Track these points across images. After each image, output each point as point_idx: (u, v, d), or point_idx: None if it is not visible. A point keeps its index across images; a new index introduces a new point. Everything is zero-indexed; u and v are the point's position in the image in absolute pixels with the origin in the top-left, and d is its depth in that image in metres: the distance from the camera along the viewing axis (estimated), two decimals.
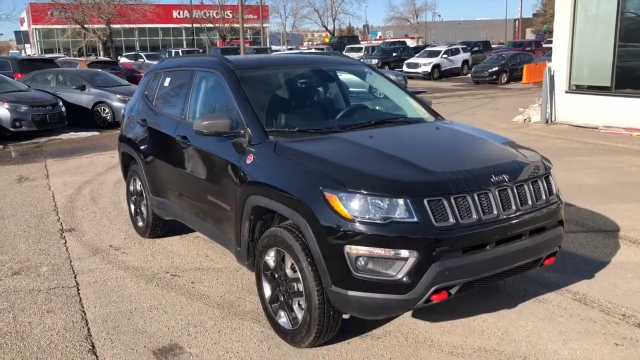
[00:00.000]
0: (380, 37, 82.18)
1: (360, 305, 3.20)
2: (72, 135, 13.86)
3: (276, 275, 3.67)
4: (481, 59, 32.34)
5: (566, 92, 12.69)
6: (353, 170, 3.32)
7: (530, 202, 3.45)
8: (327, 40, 58.02)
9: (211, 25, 48.90)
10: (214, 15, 51.53)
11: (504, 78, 27.47)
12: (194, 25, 51.16)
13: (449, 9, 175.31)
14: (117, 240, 5.85)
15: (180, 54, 34.03)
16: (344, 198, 3.13)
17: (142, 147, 5.44)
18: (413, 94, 4.86)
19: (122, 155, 6.08)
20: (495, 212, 3.28)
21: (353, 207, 3.12)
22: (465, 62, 33.08)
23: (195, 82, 4.76)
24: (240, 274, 4.79)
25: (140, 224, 5.83)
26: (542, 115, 12.90)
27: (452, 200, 3.16)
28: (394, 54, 36.56)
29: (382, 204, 3.10)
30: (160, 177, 5.19)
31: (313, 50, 33.51)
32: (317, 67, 4.90)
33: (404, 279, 3.09)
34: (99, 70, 17.12)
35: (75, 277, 4.90)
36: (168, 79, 5.31)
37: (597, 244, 5.40)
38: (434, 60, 31.44)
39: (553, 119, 12.94)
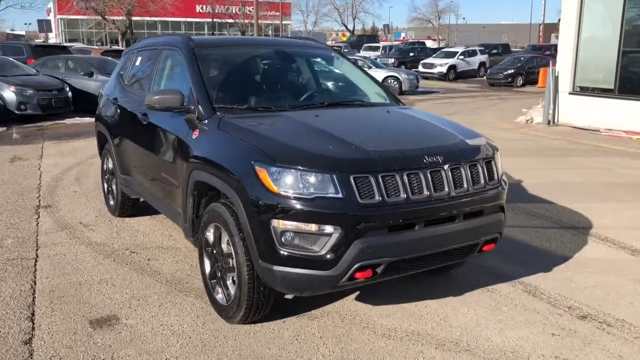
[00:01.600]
0: (403, 38, 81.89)
1: (285, 281, 3.20)
2: (77, 120, 14.04)
3: (214, 252, 3.69)
4: (499, 61, 32.02)
5: (570, 93, 12.52)
6: (286, 145, 3.31)
7: (465, 185, 3.41)
8: (345, 38, 58.01)
9: (231, 20, 49.11)
10: (236, 11, 51.79)
11: (520, 81, 27.19)
12: (215, 20, 51.45)
13: (474, 12, 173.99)
14: (88, 217, 5.92)
15: None
16: (272, 172, 3.13)
17: (113, 126, 5.50)
18: (379, 82, 4.84)
19: (97, 135, 6.15)
20: (425, 192, 3.25)
21: (281, 181, 3.11)
22: (482, 64, 32.79)
23: (160, 60, 4.80)
24: (197, 253, 4.80)
25: (112, 202, 5.89)
26: (545, 116, 12.74)
27: (380, 178, 3.14)
28: (411, 54, 36.40)
29: (308, 179, 3.09)
30: (126, 155, 5.24)
31: None
32: (279, 48, 4.90)
33: (328, 255, 3.08)
34: (109, 58, 17.28)
35: (37, 250, 4.97)
36: (139, 58, 5.36)
37: (565, 240, 5.32)
38: (450, 61, 31.22)
39: (556, 120, 12.78)
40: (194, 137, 3.83)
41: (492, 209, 3.58)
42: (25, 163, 8.77)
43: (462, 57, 31.91)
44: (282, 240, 3.12)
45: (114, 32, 36.87)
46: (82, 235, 5.38)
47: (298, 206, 3.07)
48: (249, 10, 49.96)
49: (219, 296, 3.68)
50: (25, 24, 72.00)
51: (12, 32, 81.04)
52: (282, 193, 3.10)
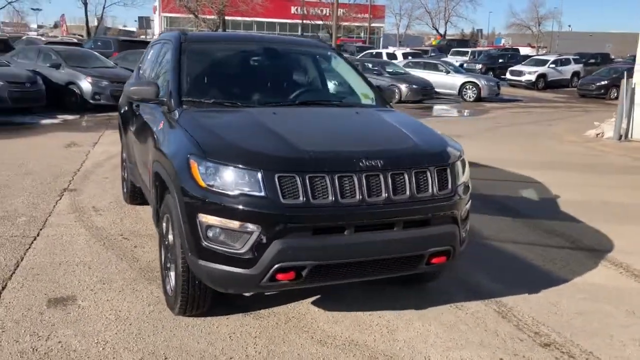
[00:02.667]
0: (504, 44, 79.22)
1: (210, 276, 3.18)
2: None
3: (167, 242, 3.73)
4: (595, 72, 30.19)
5: None
6: (223, 141, 3.29)
7: (408, 193, 3.24)
8: (434, 43, 56.93)
9: (321, 22, 49.62)
10: (327, 12, 52.24)
11: (614, 93, 25.40)
12: (304, 21, 52.20)
13: (580, 20, 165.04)
14: (102, 203, 6.17)
15: None
16: (202, 166, 3.13)
17: (123, 117, 5.71)
18: (370, 84, 4.70)
19: (118, 126, 6.40)
20: (358, 196, 3.12)
21: (209, 176, 3.10)
22: (575, 73, 31.03)
23: (160, 54, 4.93)
24: None
25: (124, 190, 6.12)
26: (616, 130, 11.88)
27: (307, 179, 3.05)
28: (500, 61, 35.09)
29: (234, 176, 3.06)
30: (129, 145, 5.43)
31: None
32: (270, 46, 4.88)
33: (248, 253, 3.04)
34: None
35: (40, 229, 5.24)
36: (151, 52, 5.52)
37: (572, 262, 4.93)
38: (540, 69, 29.80)
39: (630, 135, 11.88)
40: (159, 129, 3.90)
41: (442, 220, 3.37)
42: (77, 149, 9.29)
43: (553, 65, 30.37)
44: (207, 235, 3.11)
45: (205, 31, 38.26)
46: (88, 219, 5.62)
47: (222, 202, 3.05)
48: (343, 13, 50.32)
49: (168, 286, 3.72)
50: (135, 20, 76.28)
51: (124, 28, 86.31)
52: (209, 188, 3.08)
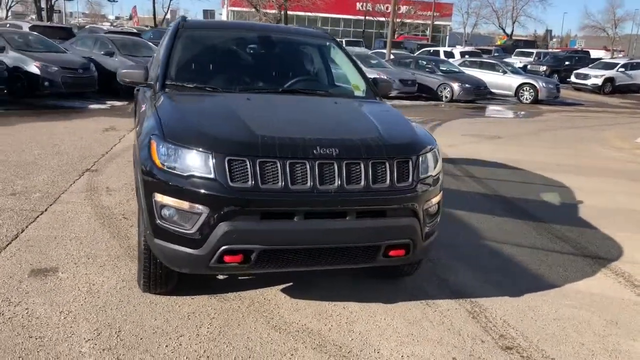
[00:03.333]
0: (579, 47, 76.22)
1: (163, 255, 3.26)
2: None
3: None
4: None
5: None
6: (184, 123, 3.37)
7: (363, 183, 3.20)
8: (499, 42, 55.39)
9: (383, 19, 49.26)
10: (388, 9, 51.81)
11: None
12: (367, 18, 51.97)
13: None
14: (117, 184, 6.40)
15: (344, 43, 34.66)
16: (161, 146, 3.21)
17: (135, 103, 5.90)
18: (365, 76, 4.66)
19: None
20: (309, 183, 3.11)
21: (165, 156, 3.18)
22: None
23: (164, 39, 5.06)
24: None
25: None
26: None
27: (257, 163, 3.07)
28: (567, 63, 33.76)
29: (186, 157, 3.12)
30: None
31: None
32: (266, 34, 4.92)
33: (197, 234, 3.09)
34: None
35: (50, 205, 5.49)
36: (165, 38, 5.67)
37: (569, 268, 4.74)
38: (608, 73, 28.47)
39: None
40: (142, 111, 4.02)
41: (400, 212, 3.31)
42: (113, 133, 9.65)
43: (622, 69, 28.94)
44: (162, 214, 3.18)
45: None
46: (97, 198, 5.84)
47: (175, 182, 3.12)
48: (408, 10, 49.77)
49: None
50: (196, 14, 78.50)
51: None
52: (164, 168, 3.16)
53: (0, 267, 4.05)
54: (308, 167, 3.12)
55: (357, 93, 4.50)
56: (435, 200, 3.57)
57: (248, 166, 3.06)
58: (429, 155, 3.53)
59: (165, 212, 3.17)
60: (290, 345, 3.26)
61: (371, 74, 19.03)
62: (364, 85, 4.57)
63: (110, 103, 13.45)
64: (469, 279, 4.37)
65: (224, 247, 3.07)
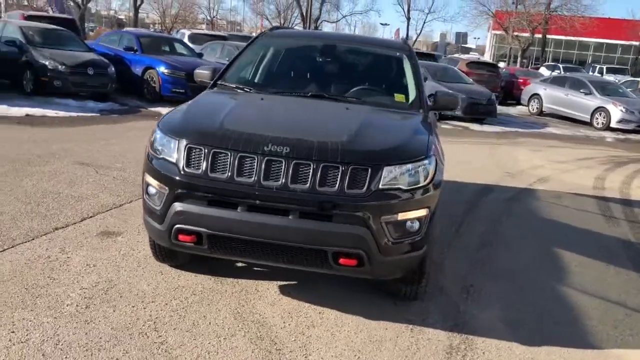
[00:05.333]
0: None
1: (147, 227, 3.71)
2: None
3: None
4: None
5: None
6: (179, 114, 3.79)
7: (309, 184, 3.21)
8: None
9: None
10: None
11: None
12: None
13: None
14: None
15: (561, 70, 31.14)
16: (153, 134, 3.67)
17: None
18: (420, 90, 4.49)
19: None
20: (253, 178, 3.25)
21: (154, 142, 3.62)
22: None
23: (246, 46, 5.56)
24: None
25: None
26: None
27: (211, 153, 3.32)
28: None
29: (162, 142, 3.53)
30: None
31: None
32: (333, 43, 5.06)
33: (160, 210, 3.47)
34: (447, 66, 18.30)
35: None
36: None
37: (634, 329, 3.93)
38: None
39: None
40: None
41: (348, 220, 3.22)
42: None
43: None
44: (147, 191, 3.63)
45: (516, 48, 37.26)
46: (111, 171, 6.57)
47: (154, 164, 3.54)
48: None
49: None
50: (475, 38, 78.33)
51: (464, 45, 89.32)
52: (152, 152, 3.61)
53: (86, 226, 4.92)
54: (256, 162, 3.26)
55: (399, 104, 4.38)
56: (409, 215, 3.36)
57: (203, 154, 3.33)
58: (406, 168, 3.34)
59: (149, 190, 3.60)
60: (231, 331, 3.41)
61: (605, 102, 17.35)
62: (413, 97, 4.42)
63: None
64: (493, 316, 3.94)
65: (176, 226, 3.38)
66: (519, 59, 35.62)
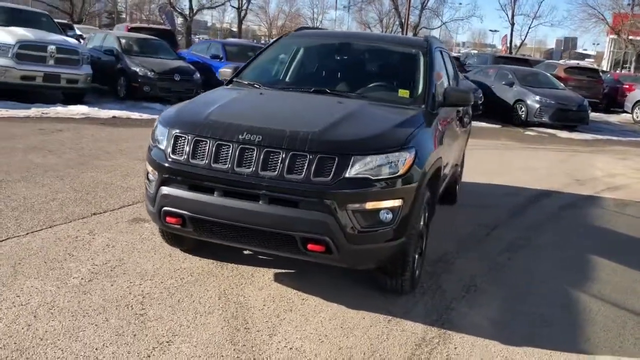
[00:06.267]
0: None
1: (147, 211, 4.02)
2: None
3: None
4: None
5: None
6: (179, 108, 4.08)
7: (278, 172, 3.36)
8: None
9: None
10: None
11: None
12: None
13: None
14: None
15: None
16: (155, 124, 3.99)
17: None
18: (428, 86, 4.48)
19: None
20: (228, 165, 3.45)
21: (153, 133, 3.94)
22: None
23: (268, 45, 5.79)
24: None
25: None
26: None
27: (192, 140, 3.57)
28: None
29: (157, 132, 3.84)
30: None
31: None
32: (350, 41, 5.17)
33: (153, 194, 3.77)
34: (537, 70, 17.62)
35: None
36: None
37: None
38: None
39: None
40: None
41: (313, 206, 3.33)
42: None
43: None
44: (148, 178, 3.94)
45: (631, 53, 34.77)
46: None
47: (150, 153, 3.85)
48: None
49: None
50: (593, 44, 74.43)
51: (584, 51, 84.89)
52: (150, 143, 3.92)
53: (121, 212, 5.36)
54: (232, 149, 3.46)
55: (402, 99, 4.40)
56: (380, 204, 3.41)
57: (186, 142, 3.58)
58: (377, 158, 3.40)
59: (148, 176, 3.91)
60: (210, 309, 3.62)
61: None
62: (417, 93, 4.44)
63: None
64: (485, 316, 3.87)
65: (164, 208, 3.65)
66: (633, 64, 33.27)
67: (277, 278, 4.16)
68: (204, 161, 3.52)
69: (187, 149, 3.58)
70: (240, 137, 3.46)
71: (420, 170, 3.63)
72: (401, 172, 3.47)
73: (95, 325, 3.32)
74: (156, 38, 15.34)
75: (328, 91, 4.42)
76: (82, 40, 17.24)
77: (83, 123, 10.36)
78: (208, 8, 43.36)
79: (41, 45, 11.74)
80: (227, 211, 3.47)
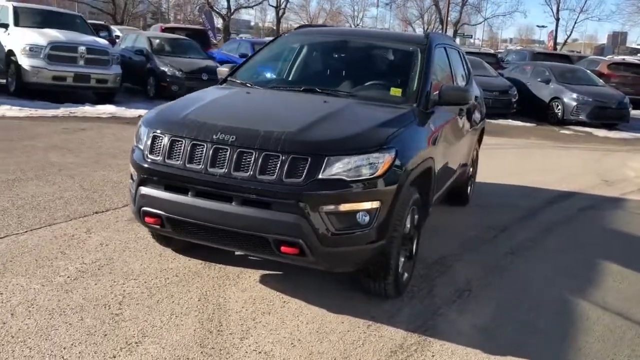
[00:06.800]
0: None
1: (131, 210, 4.03)
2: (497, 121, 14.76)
3: None
4: None
5: None
6: (161, 108, 4.06)
7: (250, 172, 3.30)
8: None
9: None
10: None
11: None
12: None
13: None
14: None
15: None
16: (138, 124, 3.99)
17: None
18: (423, 85, 4.33)
19: None
20: (201, 165, 3.41)
21: (136, 134, 3.94)
22: None
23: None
24: None
25: None
26: None
27: (169, 140, 3.55)
28: None
29: (140, 133, 3.83)
30: None
31: None
32: (346, 38, 5.08)
33: (133, 194, 3.77)
34: (576, 67, 17.12)
35: None
36: None
37: None
38: None
39: None
40: None
41: (285, 208, 3.26)
42: None
43: None
44: (131, 177, 3.95)
45: None
46: None
47: (132, 153, 3.85)
48: None
49: None
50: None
51: (638, 46, 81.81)
52: (134, 144, 3.92)
53: (123, 211, 5.40)
54: (205, 149, 3.42)
55: (393, 97, 4.28)
56: (355, 206, 3.32)
57: (163, 142, 3.57)
58: (353, 159, 3.31)
59: (132, 176, 3.91)
60: (187, 311, 3.59)
61: None
62: (410, 92, 4.31)
63: None
64: (471, 325, 3.72)
65: (142, 208, 3.65)
66: None
67: (263, 280, 4.11)
68: (179, 161, 3.49)
69: (163, 149, 3.56)
70: (214, 137, 3.42)
71: (402, 171, 3.52)
72: (378, 173, 3.37)
73: (69, 324, 3.33)
74: (186, 38, 15.54)
75: (318, 90, 4.31)
76: (117, 41, 17.59)
77: (108, 122, 10.56)
78: (245, 7, 43.70)
79: (72, 46, 12.03)
80: (201, 212, 3.43)
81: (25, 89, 11.82)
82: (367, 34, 5.96)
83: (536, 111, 16.13)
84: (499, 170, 8.68)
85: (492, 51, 26.64)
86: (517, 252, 5.14)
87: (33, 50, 11.64)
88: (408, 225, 3.86)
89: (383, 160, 3.38)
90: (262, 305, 3.73)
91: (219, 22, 39.28)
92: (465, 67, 6.06)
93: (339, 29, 8.72)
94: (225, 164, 3.37)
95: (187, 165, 3.46)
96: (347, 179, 3.29)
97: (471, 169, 6.40)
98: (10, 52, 11.99)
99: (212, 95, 4.30)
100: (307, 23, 37.62)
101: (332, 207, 3.28)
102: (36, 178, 6.21)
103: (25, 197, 5.55)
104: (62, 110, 11.10)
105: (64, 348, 3.09)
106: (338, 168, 3.28)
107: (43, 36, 11.87)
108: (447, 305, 3.93)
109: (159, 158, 3.57)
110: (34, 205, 5.33)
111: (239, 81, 4.69)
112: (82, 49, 12.09)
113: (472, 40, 66.48)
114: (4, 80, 12.54)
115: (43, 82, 11.74)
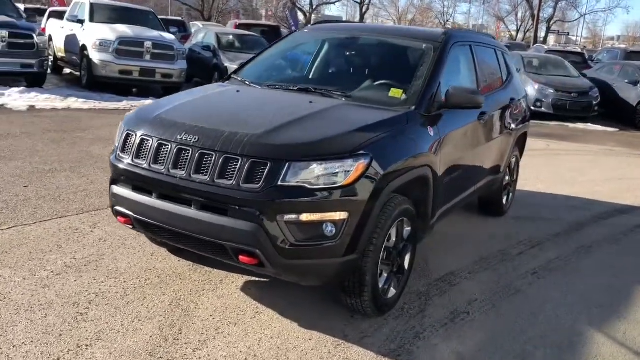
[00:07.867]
0: None
1: None
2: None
3: None
4: None
5: None
6: (147, 104, 3.98)
7: (209, 176, 3.14)
8: None
9: None
10: None
11: None
12: None
13: None
14: None
15: None
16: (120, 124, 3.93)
17: None
18: (427, 86, 3.98)
19: None
20: (165, 166, 3.29)
21: (117, 132, 3.88)
22: None
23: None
24: None
25: None
26: None
27: (138, 139, 3.45)
28: None
29: (118, 129, 3.77)
30: None
31: None
32: (358, 35, 4.81)
33: (109, 193, 3.72)
34: None
35: None
36: None
37: None
38: None
39: None
40: None
41: (242, 215, 3.06)
42: None
43: None
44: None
45: None
46: None
47: (112, 152, 3.80)
48: None
49: None
50: None
51: None
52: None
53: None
54: (169, 150, 3.29)
55: (391, 99, 3.95)
56: (319, 217, 3.08)
57: (132, 141, 3.48)
58: (318, 165, 3.06)
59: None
60: (152, 315, 3.47)
61: None
62: (411, 94, 3.96)
63: None
64: (460, 346, 3.38)
65: (114, 207, 3.59)
66: None
67: (246, 287, 3.94)
68: (145, 161, 3.38)
69: (133, 148, 3.47)
70: (178, 136, 3.28)
71: (379, 180, 3.22)
72: (347, 181, 3.09)
73: (31, 321, 3.31)
74: (254, 34, 15.66)
75: (312, 90, 4.08)
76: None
77: None
78: (327, 4, 43.57)
79: (138, 41, 12.41)
80: (163, 215, 3.31)
81: (95, 82, 12.34)
82: (380, 30, 5.61)
83: (621, 115, 14.93)
84: (557, 179, 8.04)
85: (579, 50, 24.97)
86: (540, 272, 4.66)
87: (103, 45, 12.12)
88: (394, 239, 3.56)
89: (353, 168, 3.11)
90: (232, 315, 3.57)
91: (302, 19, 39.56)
92: (503, 66, 5.59)
93: (354, 24, 8.38)
94: (187, 165, 3.22)
95: (152, 166, 3.34)
96: (310, 186, 3.04)
97: (507, 177, 5.90)
98: (84, 47, 12.54)
99: (197, 94, 4.19)
100: (323, 19, 37.11)
101: (293, 216, 3.05)
102: (70, 170, 6.37)
103: (51, 188, 5.69)
104: (124, 104, 11.46)
105: (14, 346, 3.06)
106: (300, 175, 3.04)
107: (113, 31, 12.32)
108: (433, 329, 3.59)
109: (129, 157, 3.48)
110: (55, 196, 5.45)
111: (239, 79, 4.54)
112: (148, 44, 12.44)
113: (572, 38, 63.06)
114: (78, 74, 13.16)
115: (111, 76, 12.20)
